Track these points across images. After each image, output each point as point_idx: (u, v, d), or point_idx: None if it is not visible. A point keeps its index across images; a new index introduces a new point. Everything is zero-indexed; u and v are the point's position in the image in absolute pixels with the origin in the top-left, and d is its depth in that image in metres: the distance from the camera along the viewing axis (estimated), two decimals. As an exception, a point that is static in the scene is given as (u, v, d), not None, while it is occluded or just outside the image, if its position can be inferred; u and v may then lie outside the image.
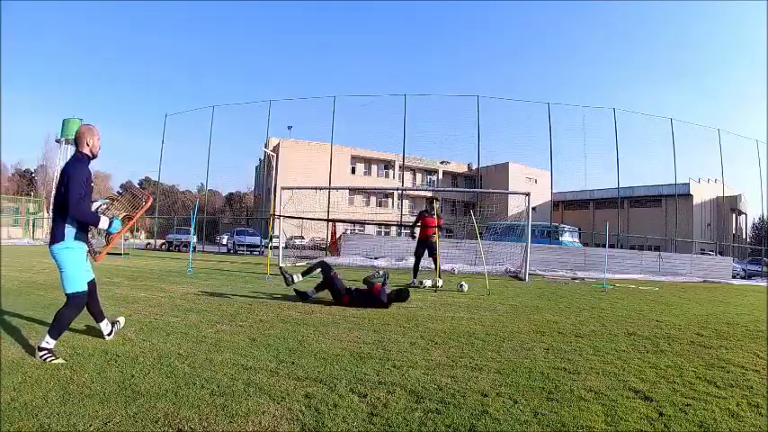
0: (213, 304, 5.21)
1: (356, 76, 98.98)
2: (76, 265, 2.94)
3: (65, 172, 2.91)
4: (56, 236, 2.88)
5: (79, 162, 2.97)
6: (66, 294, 2.93)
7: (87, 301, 3.12)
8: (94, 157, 3.10)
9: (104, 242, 3.32)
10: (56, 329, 2.86)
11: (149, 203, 3.48)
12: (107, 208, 3.30)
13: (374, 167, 41.72)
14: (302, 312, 4.88)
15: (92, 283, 3.17)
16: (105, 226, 3.04)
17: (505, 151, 44.94)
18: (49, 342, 2.80)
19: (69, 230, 2.89)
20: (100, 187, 51.83)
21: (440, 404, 2.31)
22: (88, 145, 3.04)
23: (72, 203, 2.82)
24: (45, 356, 2.75)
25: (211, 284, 7.27)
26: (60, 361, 2.75)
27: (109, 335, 3.35)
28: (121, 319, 3.55)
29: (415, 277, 8.37)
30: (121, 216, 3.29)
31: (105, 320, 3.35)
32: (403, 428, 2.02)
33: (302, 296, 5.67)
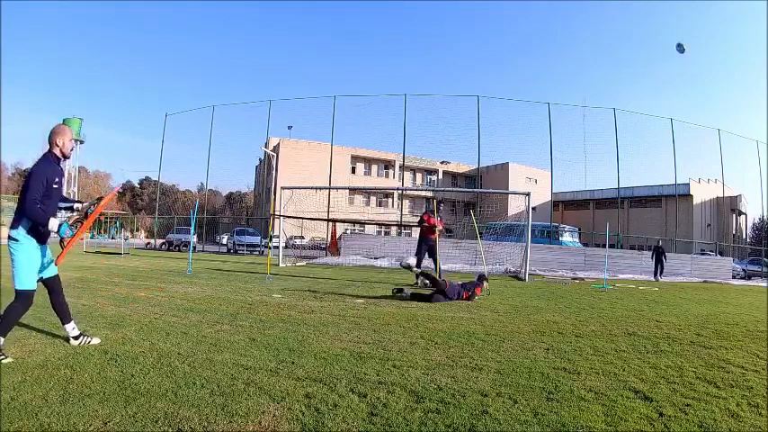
0: (213, 304, 5.21)
1: (356, 75, 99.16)
2: (25, 261, 2.86)
3: (29, 170, 2.88)
4: (11, 225, 2.84)
5: (44, 161, 2.92)
6: (16, 290, 2.85)
7: (51, 298, 3.09)
8: (66, 157, 3.02)
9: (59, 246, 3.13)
10: (3, 326, 2.78)
11: (105, 201, 3.36)
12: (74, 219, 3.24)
13: (374, 167, 41.69)
14: (302, 312, 4.88)
15: (55, 280, 3.10)
16: (54, 228, 2.90)
17: (505, 151, 45.09)
18: None
19: (25, 223, 2.83)
20: (99, 187, 51.89)
21: (440, 404, 2.31)
22: (58, 145, 2.97)
23: (26, 202, 2.78)
24: None
25: (211, 284, 7.27)
26: (8, 360, 2.65)
27: (76, 339, 3.12)
28: (96, 340, 3.22)
29: (417, 278, 8.40)
30: (72, 221, 3.15)
31: (72, 323, 3.16)
32: (403, 428, 2.02)
33: (399, 291, 6.47)
